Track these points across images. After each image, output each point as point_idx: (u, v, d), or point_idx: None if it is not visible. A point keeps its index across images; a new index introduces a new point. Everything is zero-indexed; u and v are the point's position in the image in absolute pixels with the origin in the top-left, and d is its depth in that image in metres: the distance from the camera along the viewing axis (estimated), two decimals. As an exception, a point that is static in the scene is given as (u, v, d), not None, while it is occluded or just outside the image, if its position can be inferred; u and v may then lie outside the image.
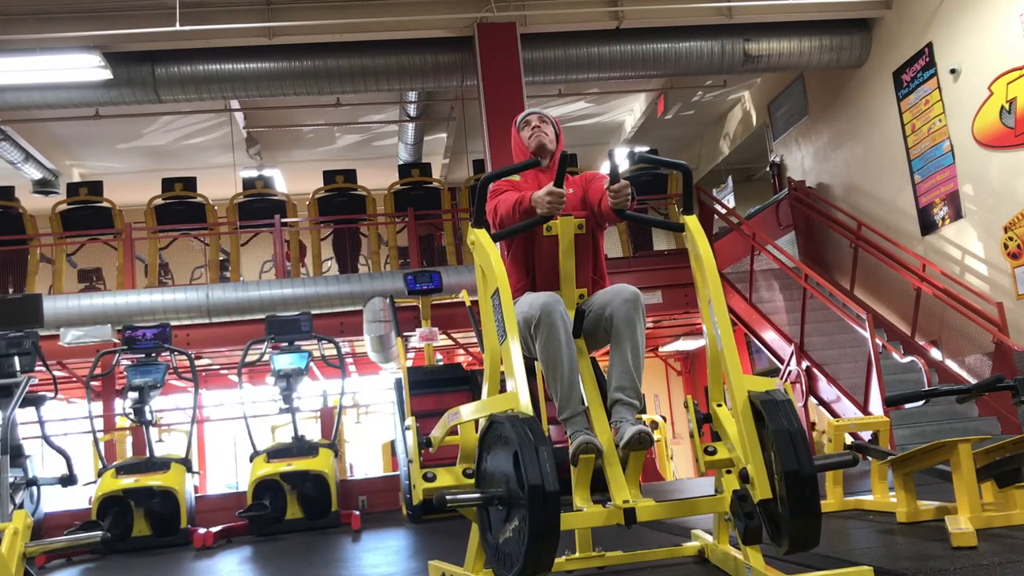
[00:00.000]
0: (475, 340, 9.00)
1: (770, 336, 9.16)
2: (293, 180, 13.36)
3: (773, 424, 2.34)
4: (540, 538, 2.17)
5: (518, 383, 2.47)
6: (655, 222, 3.40)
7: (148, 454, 6.88)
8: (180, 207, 10.70)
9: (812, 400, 8.26)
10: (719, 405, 2.62)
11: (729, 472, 2.60)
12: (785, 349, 8.71)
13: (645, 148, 12.69)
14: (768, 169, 12.53)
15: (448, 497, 2.35)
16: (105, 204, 10.57)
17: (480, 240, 2.82)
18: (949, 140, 8.53)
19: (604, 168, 3.19)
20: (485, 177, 2.98)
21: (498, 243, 2.89)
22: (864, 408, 7.41)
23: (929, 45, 8.75)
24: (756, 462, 2.38)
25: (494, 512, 2.41)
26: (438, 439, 2.95)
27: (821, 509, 2.32)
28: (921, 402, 6.54)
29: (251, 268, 11.93)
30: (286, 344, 7.42)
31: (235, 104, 11.36)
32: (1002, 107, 7.87)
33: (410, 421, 3.02)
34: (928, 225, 9.03)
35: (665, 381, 15.98)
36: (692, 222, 2.78)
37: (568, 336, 2.84)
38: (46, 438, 6.16)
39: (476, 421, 2.64)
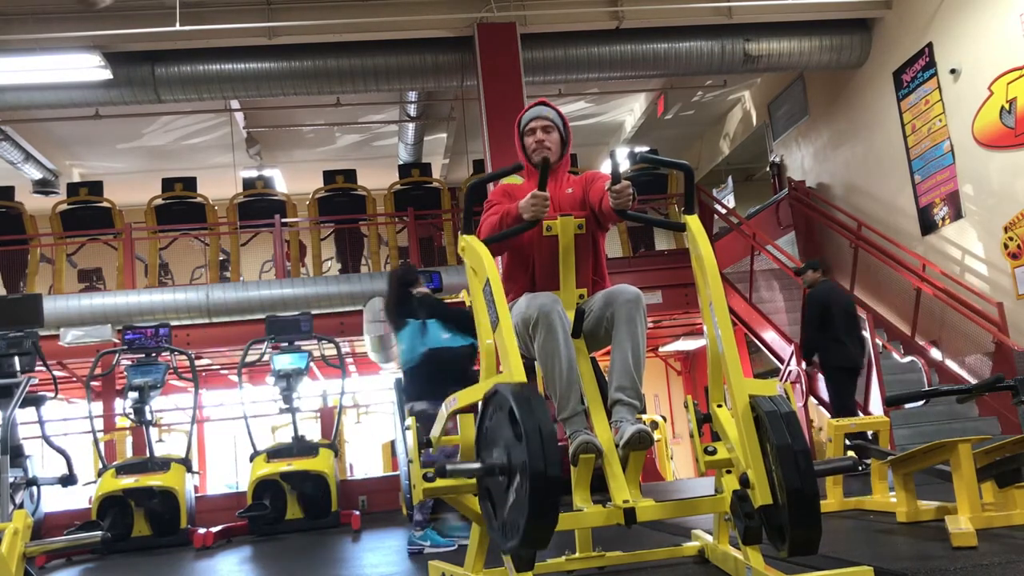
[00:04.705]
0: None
1: (770, 336, 9.15)
2: (293, 180, 13.35)
3: (776, 439, 2.33)
4: (542, 479, 2.12)
5: (512, 365, 2.47)
6: (656, 222, 3.39)
7: (148, 454, 6.88)
8: (180, 207, 10.70)
9: (812, 400, 8.26)
10: (719, 406, 2.61)
11: (729, 472, 2.59)
12: (785, 349, 8.70)
13: (645, 148, 12.69)
14: (768, 169, 12.52)
15: (449, 467, 2.35)
16: (105, 204, 10.57)
17: (471, 243, 2.83)
18: (949, 140, 8.53)
19: (605, 168, 3.16)
20: (471, 184, 3.01)
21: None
22: (864, 408, 7.41)
23: (929, 45, 8.75)
24: (757, 468, 2.38)
25: (495, 487, 2.39)
26: (438, 438, 2.95)
27: (821, 518, 2.32)
28: (921, 402, 6.55)
29: (251, 268, 11.93)
30: (286, 344, 7.42)
31: (235, 104, 11.36)
32: (1002, 107, 7.87)
33: (410, 421, 3.02)
34: (928, 225, 9.02)
35: (665, 381, 15.98)
36: (693, 222, 2.77)
37: (566, 336, 2.83)
38: (46, 438, 6.17)
39: (475, 417, 2.64)
